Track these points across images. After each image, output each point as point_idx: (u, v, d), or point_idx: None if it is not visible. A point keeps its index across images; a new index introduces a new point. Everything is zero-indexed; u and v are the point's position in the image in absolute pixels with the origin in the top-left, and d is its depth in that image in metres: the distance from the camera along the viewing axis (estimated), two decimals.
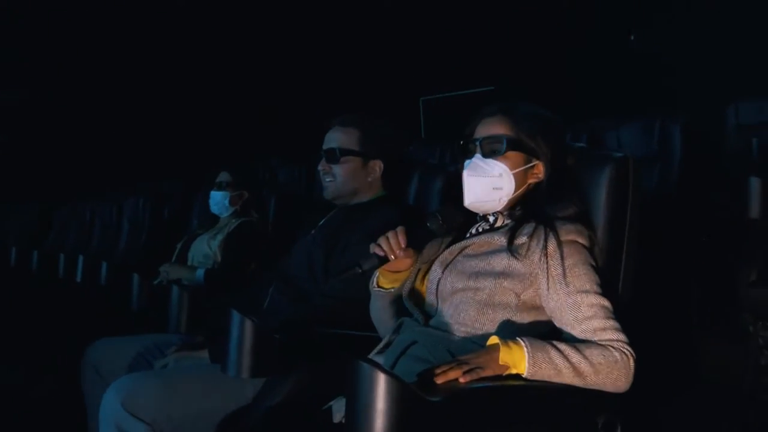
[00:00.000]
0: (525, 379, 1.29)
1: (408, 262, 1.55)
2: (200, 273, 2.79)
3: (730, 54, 4.37)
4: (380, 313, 1.64)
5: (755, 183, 2.31)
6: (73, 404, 2.20)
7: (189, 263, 2.95)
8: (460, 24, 5.80)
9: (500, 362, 1.28)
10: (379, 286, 1.62)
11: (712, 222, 2.82)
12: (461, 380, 1.22)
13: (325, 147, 2.05)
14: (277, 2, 6.44)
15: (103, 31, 6.79)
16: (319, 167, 2.05)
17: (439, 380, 1.22)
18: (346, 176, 2.02)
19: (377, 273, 1.60)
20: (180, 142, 7.00)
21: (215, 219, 3.03)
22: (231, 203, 2.96)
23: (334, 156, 2.01)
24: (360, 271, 1.48)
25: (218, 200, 2.96)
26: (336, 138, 2.03)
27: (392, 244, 1.48)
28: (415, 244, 1.52)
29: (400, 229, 1.50)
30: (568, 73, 5.07)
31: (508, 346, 1.29)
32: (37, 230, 7.02)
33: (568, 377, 1.30)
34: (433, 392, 1.18)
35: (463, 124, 1.62)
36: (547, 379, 1.29)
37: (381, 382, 1.11)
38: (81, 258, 3.44)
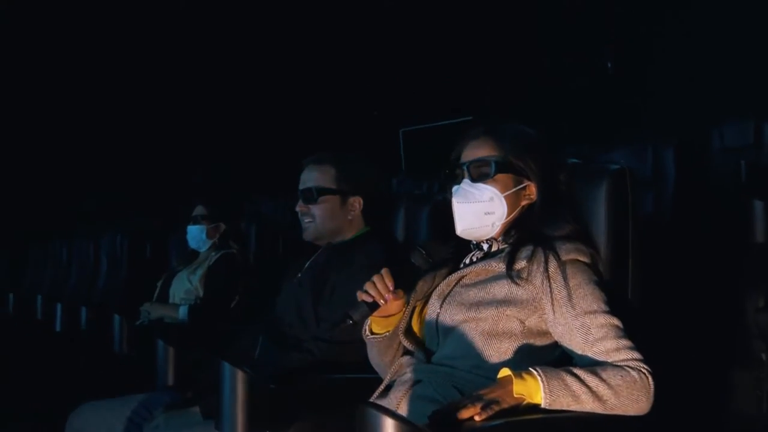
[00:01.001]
0: (543, 410, 1.23)
1: (399, 304, 1.48)
2: (183, 310, 2.76)
3: (711, 76, 4.41)
4: (378, 359, 1.57)
5: (759, 206, 2.28)
6: None
7: (170, 301, 2.91)
8: (438, 55, 5.85)
9: (515, 395, 1.22)
10: (372, 333, 1.54)
11: (710, 246, 2.79)
12: (477, 418, 1.16)
13: (301, 187, 2.01)
14: (256, 36, 6.45)
15: (74, 63, 6.72)
16: (297, 208, 2.01)
17: (456, 419, 1.16)
18: (325, 216, 1.98)
19: (368, 320, 1.53)
20: (158, 178, 6.92)
21: (194, 254, 3.01)
22: (208, 236, 2.94)
23: (312, 196, 1.98)
24: (351, 322, 1.42)
25: (195, 234, 2.94)
26: (312, 177, 2.00)
27: (380, 288, 1.42)
28: (403, 283, 1.45)
29: (385, 271, 1.43)
30: (547, 101, 5.09)
31: (522, 377, 1.23)
32: (10, 271, 6.89)
33: (587, 403, 1.24)
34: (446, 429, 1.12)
35: (444, 154, 1.57)
36: (565, 407, 1.24)
37: (389, 427, 1.06)
38: (59, 306, 3.37)
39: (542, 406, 1.22)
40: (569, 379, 1.24)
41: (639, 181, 2.96)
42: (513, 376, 1.23)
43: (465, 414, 1.16)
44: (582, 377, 1.25)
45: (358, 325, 1.49)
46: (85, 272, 5.07)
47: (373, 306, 1.42)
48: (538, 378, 1.23)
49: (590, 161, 1.90)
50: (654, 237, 2.61)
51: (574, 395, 1.23)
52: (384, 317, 1.51)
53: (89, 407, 2.04)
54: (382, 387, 1.49)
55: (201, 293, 2.83)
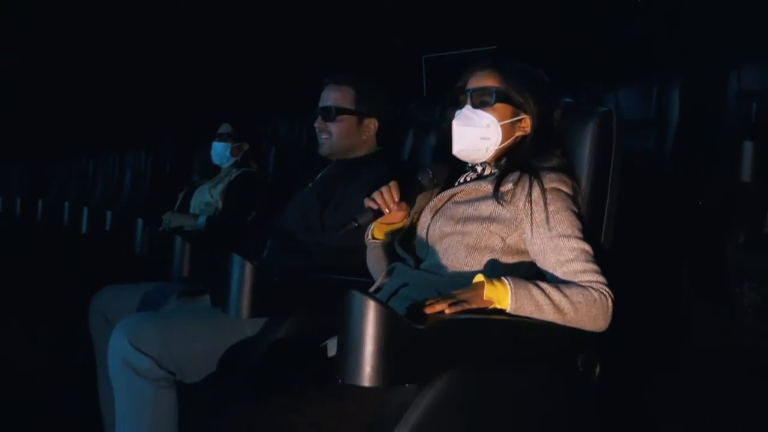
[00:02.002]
0: (508, 314, 1.35)
1: (401, 214, 1.62)
2: (202, 220, 2.88)
3: (734, 19, 4.34)
4: (376, 263, 1.72)
5: (748, 146, 2.35)
6: (81, 348, 2.29)
7: (191, 212, 3.02)
8: None
9: (485, 297, 1.35)
10: (374, 238, 1.69)
11: (707, 187, 2.86)
12: (446, 311, 1.28)
13: (321, 105, 2.12)
14: None
15: None
16: (316, 124, 2.12)
17: (426, 311, 1.29)
18: (341, 134, 2.09)
19: (372, 226, 1.67)
20: (177, 101, 6.98)
21: (216, 170, 3.12)
22: (232, 154, 3.05)
23: (330, 114, 2.09)
24: (356, 225, 1.55)
25: (219, 150, 3.05)
26: (332, 96, 2.10)
27: (386, 198, 1.55)
28: (408, 198, 1.59)
29: (393, 184, 1.57)
30: (570, 35, 5.04)
31: (493, 283, 1.36)
32: (37, 186, 7.03)
33: (548, 314, 1.37)
34: (420, 321, 1.24)
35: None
36: (528, 315, 1.36)
37: (371, 309, 1.17)
38: (86, 209, 3.48)
39: (507, 311, 1.35)
40: (535, 291, 1.37)
41: (642, 121, 3.03)
42: (485, 282, 1.36)
43: (436, 308, 1.29)
44: (547, 291, 1.37)
45: (362, 229, 1.63)
46: (110, 186, 5.22)
47: (378, 213, 1.55)
48: (507, 285, 1.35)
49: (581, 102, 1.96)
50: (650, 175, 2.70)
51: (537, 305, 1.36)
52: (386, 225, 1.65)
53: (110, 290, 2.22)
54: (374, 287, 1.63)
55: (220, 206, 2.94)
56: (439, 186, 1.64)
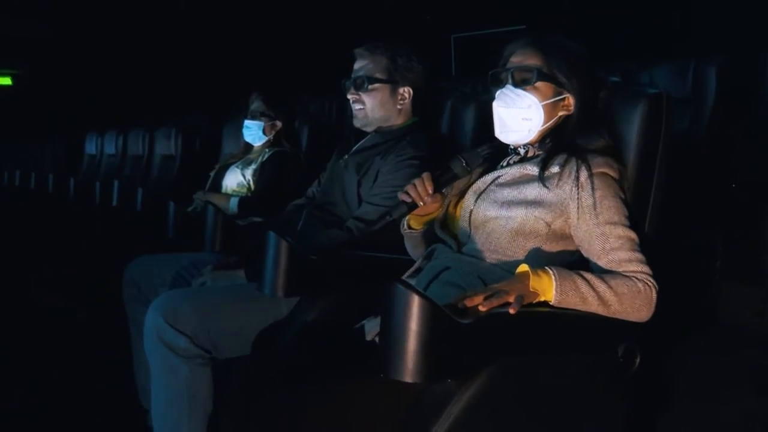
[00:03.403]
0: (552, 307, 1.33)
1: (436, 205, 1.59)
2: (234, 202, 2.81)
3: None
4: (414, 249, 1.70)
5: None
6: (116, 320, 2.30)
7: (222, 192, 2.96)
8: None
9: (530, 289, 1.32)
10: (410, 229, 1.66)
11: (742, 168, 2.81)
12: (481, 308, 1.25)
13: (353, 75, 2.07)
14: None
15: None
16: (348, 95, 2.08)
17: (468, 304, 1.26)
18: (375, 104, 2.05)
19: (408, 217, 1.64)
20: (205, 77, 6.98)
21: (247, 148, 3.03)
22: (265, 132, 2.96)
23: (363, 84, 2.04)
24: (390, 218, 1.53)
25: (252, 129, 2.96)
26: (364, 66, 2.06)
27: (420, 191, 1.51)
28: (441, 187, 1.55)
29: (426, 176, 1.52)
30: (602, 13, 4.96)
31: (538, 274, 1.33)
32: (67, 161, 7.10)
33: (593, 306, 1.35)
34: (464, 315, 1.22)
35: (494, 62, 1.64)
36: (573, 306, 1.34)
37: (414, 303, 1.15)
38: (116, 183, 3.48)
39: (552, 303, 1.33)
40: (580, 282, 1.34)
41: (678, 99, 2.98)
42: (530, 273, 1.33)
43: (476, 301, 1.26)
44: (592, 282, 1.35)
45: (397, 221, 1.61)
46: (139, 164, 5.23)
47: (412, 206, 1.52)
48: (552, 276, 1.33)
49: (631, 82, 1.91)
50: (685, 153, 2.65)
51: (582, 296, 1.34)
52: (421, 216, 1.62)
53: (143, 260, 2.22)
54: (413, 269, 1.61)
55: (252, 187, 2.88)
56: (472, 173, 1.60)
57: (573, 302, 1.34)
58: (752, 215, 2.57)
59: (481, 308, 1.25)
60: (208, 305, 1.74)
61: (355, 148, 2.13)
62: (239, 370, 1.57)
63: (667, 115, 1.52)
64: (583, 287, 1.34)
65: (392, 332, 1.17)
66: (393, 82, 2.05)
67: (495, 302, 1.26)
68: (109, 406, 2.35)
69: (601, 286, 1.35)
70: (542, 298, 1.33)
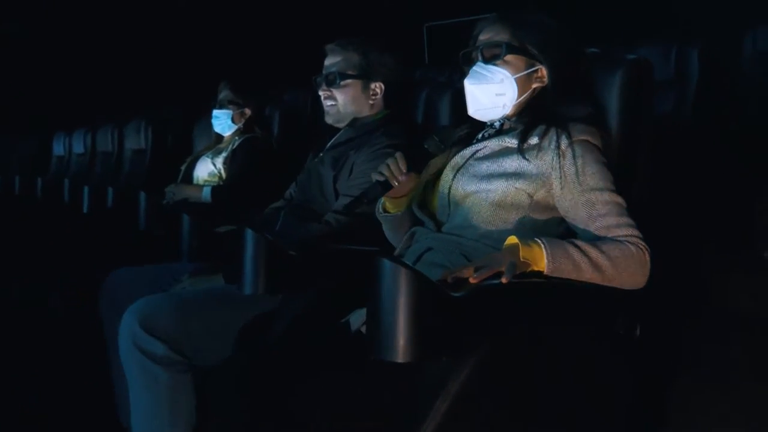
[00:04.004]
0: (545, 277, 1.28)
1: (411, 186, 1.55)
2: (207, 191, 2.78)
3: None
4: (393, 233, 1.65)
5: None
6: (92, 334, 2.22)
7: (194, 183, 2.93)
8: None
9: (521, 259, 1.27)
10: (385, 212, 1.61)
11: (727, 149, 2.78)
12: (472, 280, 1.20)
13: (324, 71, 2.04)
14: None
15: None
16: (320, 92, 2.05)
17: (458, 276, 1.21)
18: (347, 99, 2.02)
19: (382, 199, 1.59)
20: (179, 69, 6.87)
21: (218, 138, 3.01)
22: (234, 121, 2.92)
23: (335, 80, 2.01)
24: (365, 201, 1.49)
25: (221, 118, 2.93)
26: (336, 62, 2.03)
27: (393, 170, 1.48)
28: (416, 167, 1.51)
29: (399, 155, 1.49)
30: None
31: (528, 244, 1.29)
32: (36, 160, 6.97)
33: (587, 272, 1.30)
34: (455, 289, 1.16)
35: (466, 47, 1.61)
36: (566, 275, 1.29)
37: (402, 277, 1.09)
38: (86, 189, 3.40)
39: (545, 272, 1.28)
40: (571, 249, 1.30)
41: (661, 81, 2.94)
42: (519, 243, 1.28)
43: (465, 274, 1.21)
44: (583, 248, 1.30)
45: (372, 204, 1.57)
46: (109, 160, 5.13)
47: (386, 186, 1.48)
48: (542, 246, 1.28)
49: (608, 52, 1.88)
50: (671, 137, 2.62)
51: (575, 264, 1.29)
52: (396, 198, 1.57)
53: (120, 273, 2.15)
54: (394, 255, 1.55)
55: (224, 175, 2.85)
56: (448, 150, 1.56)
57: (566, 270, 1.29)
58: (744, 195, 2.54)
59: (472, 280, 1.20)
60: (186, 307, 1.68)
61: (329, 143, 2.10)
62: (222, 373, 1.49)
63: (648, 79, 1.50)
64: (576, 254, 1.30)
65: (380, 311, 1.10)
66: (365, 77, 2.02)
67: (486, 273, 1.21)
68: (86, 425, 2.25)
69: (593, 252, 1.31)
70: (534, 268, 1.28)
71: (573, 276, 1.30)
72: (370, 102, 2.04)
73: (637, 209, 1.43)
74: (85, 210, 3.42)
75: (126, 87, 7.04)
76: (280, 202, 2.22)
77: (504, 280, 1.20)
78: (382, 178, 1.48)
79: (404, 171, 1.47)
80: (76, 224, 3.48)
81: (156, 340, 1.61)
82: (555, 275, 1.28)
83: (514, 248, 1.28)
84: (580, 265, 1.30)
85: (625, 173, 1.48)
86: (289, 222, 2.00)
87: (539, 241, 1.29)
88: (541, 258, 1.28)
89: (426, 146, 1.51)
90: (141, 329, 1.61)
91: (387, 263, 1.10)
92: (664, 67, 2.94)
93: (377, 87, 2.04)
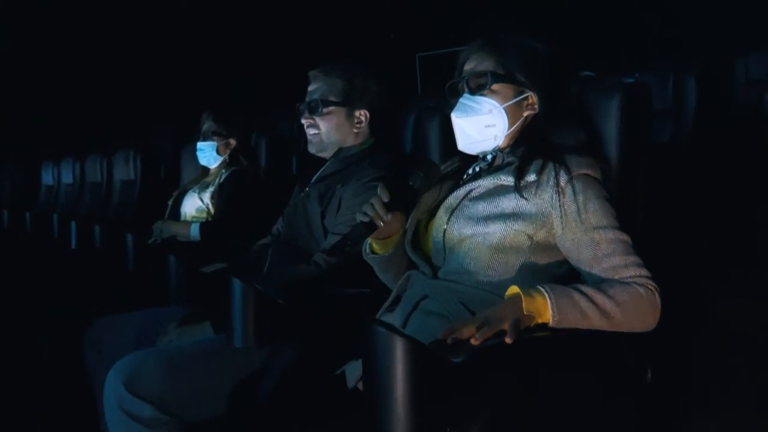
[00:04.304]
0: (551, 329, 1.21)
1: (397, 226, 1.47)
2: (195, 228, 2.70)
3: (738, 5, 4.27)
4: (384, 274, 1.57)
5: None
6: (78, 383, 2.13)
7: (182, 219, 2.86)
8: None
9: (525, 313, 1.19)
10: (373, 253, 1.53)
11: (724, 176, 2.75)
12: (473, 341, 1.12)
13: (307, 98, 1.97)
14: None
15: None
16: (302, 120, 1.98)
17: (458, 337, 1.13)
18: (330, 128, 1.95)
19: (368, 241, 1.51)
20: (170, 96, 6.84)
21: (205, 171, 2.94)
22: (219, 152, 2.86)
23: (317, 107, 1.94)
24: (350, 243, 1.41)
25: (205, 150, 2.86)
26: (318, 88, 1.96)
27: (378, 209, 1.38)
28: (402, 205, 1.42)
29: (380, 188, 1.39)
30: (570, 26, 4.95)
31: (530, 294, 1.21)
32: (25, 190, 6.90)
33: (594, 320, 1.23)
34: (455, 352, 1.09)
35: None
36: (573, 325, 1.22)
37: (399, 346, 1.02)
38: (73, 224, 3.34)
39: (551, 324, 1.20)
40: (577, 296, 1.22)
41: (659, 109, 2.92)
42: (521, 294, 1.20)
43: (465, 334, 1.13)
44: (589, 294, 1.23)
45: (358, 246, 1.49)
46: (98, 191, 5.07)
47: (371, 227, 1.39)
48: (546, 295, 1.21)
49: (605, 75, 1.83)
50: (669, 165, 2.58)
51: (582, 312, 1.22)
52: (383, 239, 1.49)
53: (105, 321, 2.07)
54: (388, 302, 1.49)
55: (212, 211, 2.78)
56: (438, 186, 1.49)
57: (573, 320, 1.22)
58: (745, 222, 2.51)
59: (474, 341, 1.12)
60: (173, 365, 1.58)
61: (315, 177, 2.02)
62: (213, 429, 1.40)
63: (648, 104, 1.44)
64: (582, 302, 1.22)
65: (377, 381, 1.04)
66: (349, 104, 1.95)
67: (488, 333, 1.13)
68: None
69: (599, 298, 1.23)
70: (539, 321, 1.21)
71: (580, 325, 1.22)
72: (355, 130, 1.97)
73: (640, 238, 1.36)
74: (73, 246, 3.36)
75: (114, 114, 7.01)
76: (267, 238, 2.14)
77: (508, 340, 1.12)
78: (366, 219, 1.38)
79: (386, 200, 1.37)
80: (65, 261, 3.42)
81: (142, 401, 1.52)
82: (561, 326, 1.21)
83: (516, 300, 1.21)
84: (587, 313, 1.22)
85: (626, 202, 1.41)
86: (277, 262, 1.93)
87: (543, 290, 1.22)
88: (545, 309, 1.20)
89: (411, 183, 1.42)
90: (126, 391, 1.52)
91: (381, 331, 1.03)
92: (662, 95, 2.93)
93: (362, 114, 1.96)
